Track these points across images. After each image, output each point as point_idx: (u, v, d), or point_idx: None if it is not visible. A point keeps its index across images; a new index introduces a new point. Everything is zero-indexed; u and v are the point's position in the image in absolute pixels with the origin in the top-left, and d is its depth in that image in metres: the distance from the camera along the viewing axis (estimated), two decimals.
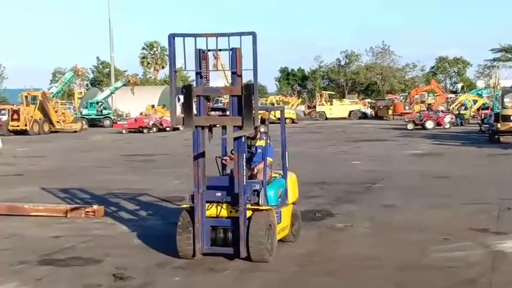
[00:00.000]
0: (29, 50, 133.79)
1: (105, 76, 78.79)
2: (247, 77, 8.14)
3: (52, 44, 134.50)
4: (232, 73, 8.10)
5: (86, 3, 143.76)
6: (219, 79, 65.43)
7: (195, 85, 8.41)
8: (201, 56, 8.13)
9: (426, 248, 9.04)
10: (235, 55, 8.00)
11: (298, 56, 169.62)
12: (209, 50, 8.18)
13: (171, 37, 7.99)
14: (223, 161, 9.23)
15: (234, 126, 8.15)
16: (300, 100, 74.03)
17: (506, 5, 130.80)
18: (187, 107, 8.08)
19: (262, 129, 9.16)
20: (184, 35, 8.01)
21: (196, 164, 8.25)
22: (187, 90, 8.05)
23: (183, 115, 8.05)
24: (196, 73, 8.20)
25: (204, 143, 8.31)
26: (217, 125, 8.48)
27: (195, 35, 8.00)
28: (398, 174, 17.72)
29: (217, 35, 7.88)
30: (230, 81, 8.64)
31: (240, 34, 7.85)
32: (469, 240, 9.47)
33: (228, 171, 9.12)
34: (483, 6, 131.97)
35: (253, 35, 7.78)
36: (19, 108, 43.80)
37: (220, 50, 8.13)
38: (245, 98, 7.87)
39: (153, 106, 52.84)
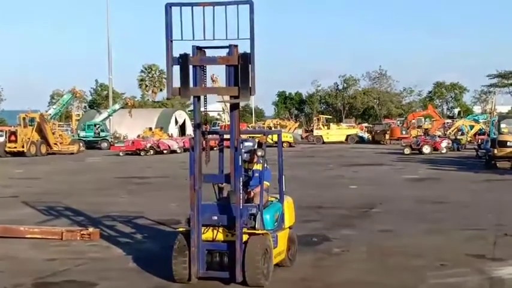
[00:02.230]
0: (28, 72, 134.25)
1: (104, 98, 78.98)
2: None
3: (51, 66, 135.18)
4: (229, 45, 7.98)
5: (85, 25, 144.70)
6: (215, 103, 66.00)
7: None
8: (194, 52, 8.07)
9: (423, 274, 8.98)
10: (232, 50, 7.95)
11: (295, 79, 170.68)
12: (207, 48, 8.09)
13: (168, 6, 7.91)
14: (220, 185, 9.20)
15: (230, 96, 8.07)
16: (297, 124, 74.28)
17: (503, 31, 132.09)
18: (184, 77, 7.98)
19: (259, 153, 9.13)
20: (181, 4, 7.91)
21: (193, 156, 8.17)
22: (184, 59, 7.96)
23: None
24: (193, 46, 8.09)
25: (200, 114, 8.23)
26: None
27: (191, 4, 7.87)
28: (395, 199, 17.69)
29: (214, 4, 7.76)
30: (228, 104, 8.57)
31: (237, 3, 7.74)
32: (466, 267, 9.44)
33: (225, 195, 9.10)
34: (480, 32, 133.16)
35: (250, 3, 7.68)
36: (16, 130, 43.86)
37: (219, 47, 8.05)
38: (242, 67, 7.82)
39: (150, 129, 52.91)
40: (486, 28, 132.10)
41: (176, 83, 8.03)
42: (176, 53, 7.97)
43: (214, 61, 8.16)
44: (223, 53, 8.06)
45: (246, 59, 7.79)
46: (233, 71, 7.98)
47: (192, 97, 8.27)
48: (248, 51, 7.79)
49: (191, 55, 8.02)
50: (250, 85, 7.81)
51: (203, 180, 8.35)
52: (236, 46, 7.91)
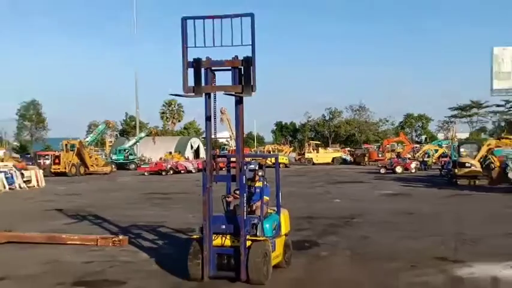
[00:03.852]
0: (69, 105, 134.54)
1: (132, 128, 79.06)
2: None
3: (88, 100, 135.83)
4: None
5: (117, 69, 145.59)
6: (225, 131, 66.15)
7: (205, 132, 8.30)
8: (207, 74, 8.03)
9: (397, 274, 8.94)
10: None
11: (290, 112, 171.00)
12: (215, 70, 8.03)
13: (184, 19, 7.85)
14: (227, 199, 9.20)
15: (235, 92, 7.94)
16: (291, 148, 74.20)
17: (463, 68, 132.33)
18: (196, 77, 7.91)
19: (260, 173, 9.15)
20: (194, 18, 7.83)
21: (205, 177, 8.11)
22: (197, 63, 7.91)
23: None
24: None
25: (212, 108, 8.13)
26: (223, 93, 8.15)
27: (203, 17, 7.78)
28: (373, 210, 17.63)
29: (221, 17, 7.68)
30: (234, 132, 8.53)
31: (241, 16, 7.66)
32: (432, 268, 9.39)
33: (232, 208, 9.10)
34: (443, 70, 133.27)
35: (251, 16, 7.62)
36: (60, 154, 43.94)
37: (223, 69, 8.03)
38: (244, 69, 7.78)
39: (170, 153, 52.97)
40: (449, 66, 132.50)
41: (191, 83, 7.93)
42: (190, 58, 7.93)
43: (222, 64, 8.03)
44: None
45: (248, 62, 7.75)
46: (237, 72, 7.94)
47: (204, 94, 8.09)
48: (250, 55, 7.72)
49: (203, 59, 7.96)
50: (251, 83, 7.76)
51: (214, 180, 8.32)
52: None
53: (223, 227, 8.35)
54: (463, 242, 11.82)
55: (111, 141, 66.32)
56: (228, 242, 8.32)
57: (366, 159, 56.73)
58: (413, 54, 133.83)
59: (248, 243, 8.16)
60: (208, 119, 8.23)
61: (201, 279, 8.23)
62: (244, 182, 8.21)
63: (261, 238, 8.36)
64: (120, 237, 11.83)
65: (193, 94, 7.93)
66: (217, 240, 8.34)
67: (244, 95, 7.89)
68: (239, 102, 8.07)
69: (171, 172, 42.18)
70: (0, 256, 10.72)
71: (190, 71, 7.93)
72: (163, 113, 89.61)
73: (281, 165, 46.26)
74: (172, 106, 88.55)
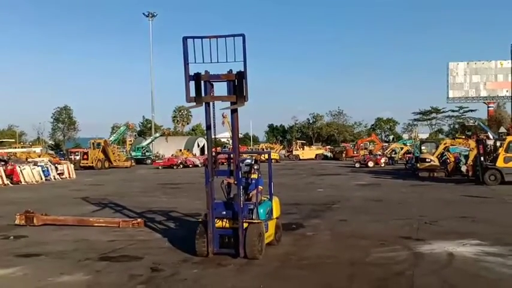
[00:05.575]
0: (95, 109, 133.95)
1: (148, 129, 78.84)
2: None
3: (111, 106, 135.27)
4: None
5: (136, 79, 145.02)
6: (226, 132, 66.04)
7: (206, 135, 8.31)
8: (206, 86, 7.89)
9: (368, 250, 8.96)
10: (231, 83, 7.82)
11: (280, 116, 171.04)
12: (213, 82, 7.88)
13: (184, 38, 7.66)
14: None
15: (230, 102, 7.81)
16: (281, 146, 74.18)
17: (423, 81, 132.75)
18: (197, 89, 7.79)
19: (255, 167, 9.14)
20: (194, 37, 7.64)
21: (208, 172, 8.06)
22: (197, 76, 7.77)
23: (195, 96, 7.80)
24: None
25: (211, 116, 7.96)
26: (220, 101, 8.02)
27: (201, 37, 7.57)
28: (349, 198, 17.65)
29: (217, 37, 7.51)
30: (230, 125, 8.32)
31: (234, 36, 7.46)
32: (398, 245, 9.41)
33: (231, 196, 9.09)
34: (408, 83, 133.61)
35: (243, 36, 7.41)
36: (88, 151, 43.83)
37: (219, 80, 7.80)
38: (238, 81, 7.66)
39: (180, 150, 52.82)
40: (413, 78, 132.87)
41: (192, 94, 7.80)
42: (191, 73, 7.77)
43: (218, 77, 7.84)
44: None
45: (241, 75, 7.64)
46: (232, 84, 7.80)
47: (204, 103, 7.95)
48: (242, 70, 7.61)
49: (202, 73, 7.83)
50: (244, 94, 7.66)
51: (215, 175, 8.29)
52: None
53: (224, 212, 8.35)
54: (424, 223, 11.86)
55: (130, 140, 65.87)
56: (228, 225, 8.32)
57: (344, 155, 56.79)
58: (384, 68, 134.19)
59: (245, 225, 8.16)
60: (208, 127, 8.16)
61: (206, 255, 8.24)
62: (240, 176, 8.20)
63: (256, 221, 8.35)
64: (138, 220, 11.81)
65: (194, 104, 7.81)
66: (219, 223, 8.34)
67: (238, 105, 7.79)
68: (234, 111, 8.07)
69: (181, 166, 42.09)
70: (37, 236, 10.68)
71: (192, 83, 7.82)
72: (174, 117, 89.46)
73: (273, 161, 46.20)
74: (182, 111, 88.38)
